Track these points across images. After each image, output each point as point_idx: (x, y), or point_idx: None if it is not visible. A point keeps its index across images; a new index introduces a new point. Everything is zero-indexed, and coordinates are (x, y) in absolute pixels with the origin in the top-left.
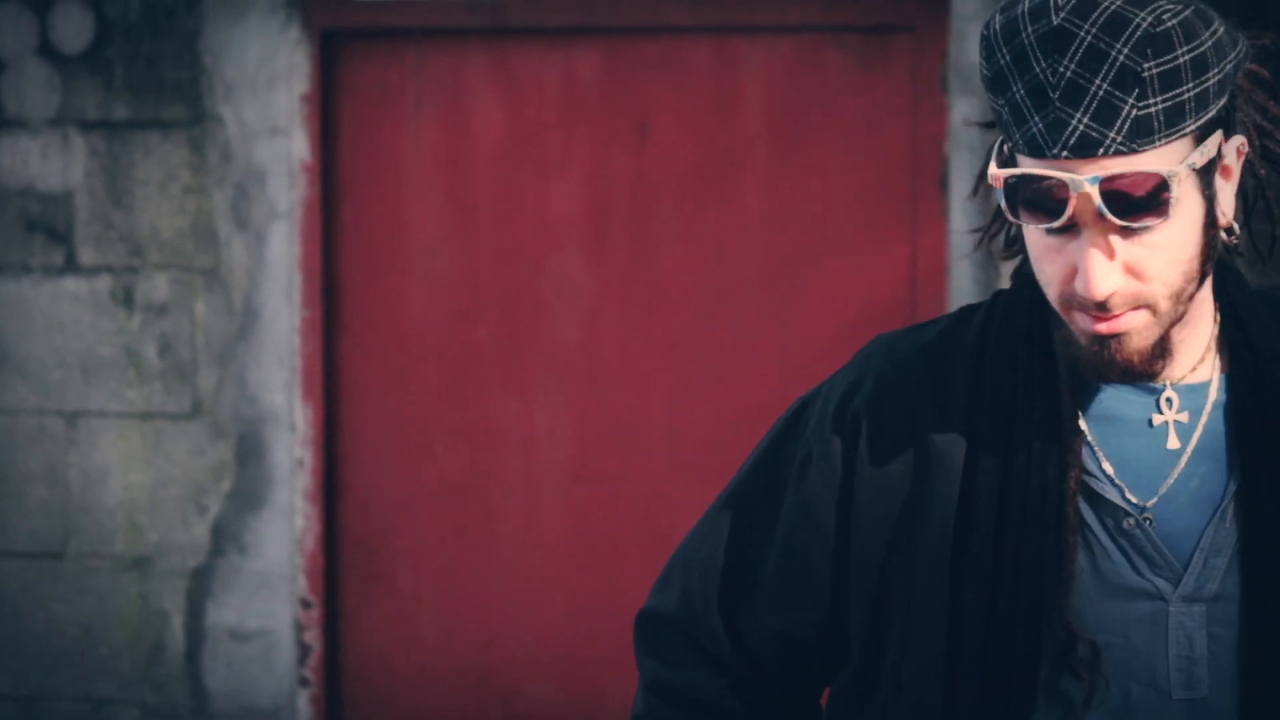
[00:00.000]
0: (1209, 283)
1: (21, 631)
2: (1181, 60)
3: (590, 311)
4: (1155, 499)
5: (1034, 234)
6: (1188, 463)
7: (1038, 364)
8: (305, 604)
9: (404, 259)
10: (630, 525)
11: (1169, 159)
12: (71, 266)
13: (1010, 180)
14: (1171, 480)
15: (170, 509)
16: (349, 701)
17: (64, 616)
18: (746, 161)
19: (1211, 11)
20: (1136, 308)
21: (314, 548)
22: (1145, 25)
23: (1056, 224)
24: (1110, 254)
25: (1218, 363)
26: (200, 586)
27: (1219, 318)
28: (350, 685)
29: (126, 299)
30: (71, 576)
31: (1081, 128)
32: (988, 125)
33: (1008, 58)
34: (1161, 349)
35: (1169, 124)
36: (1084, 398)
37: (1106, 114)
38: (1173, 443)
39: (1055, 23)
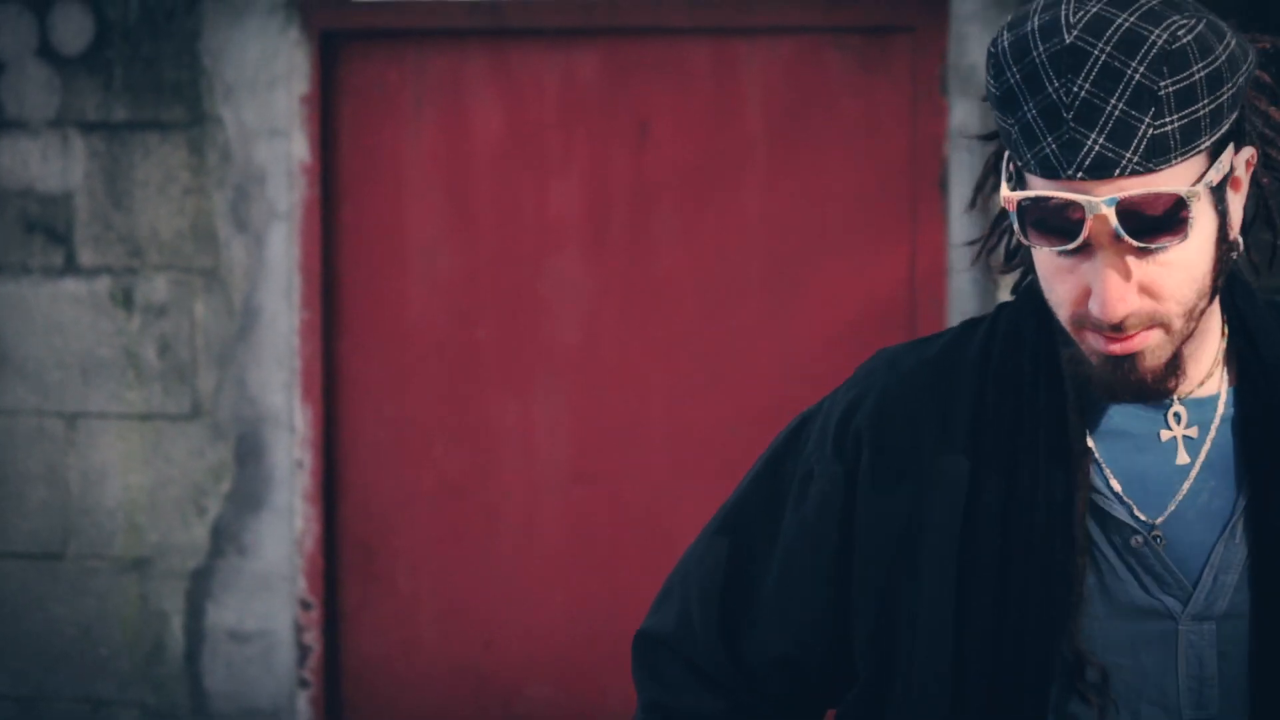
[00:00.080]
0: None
1: (21, 632)
2: (1197, 77)
3: (590, 312)
4: (1164, 516)
5: (1044, 254)
6: (1196, 478)
7: (1043, 381)
8: (305, 605)
9: (403, 260)
10: (630, 526)
11: (1185, 177)
12: (71, 267)
13: (1023, 203)
14: (1180, 496)
15: (170, 510)
16: (348, 702)
17: (63, 617)
18: (746, 163)
19: (1223, 23)
20: (1151, 327)
21: (313, 549)
22: (1161, 42)
23: (1071, 246)
24: (1126, 275)
25: (1226, 375)
26: (200, 587)
27: (1226, 330)
28: (350, 686)
29: (126, 300)
30: (71, 577)
31: (1097, 148)
32: (986, 138)
33: (1018, 76)
34: (1174, 366)
35: (1185, 142)
36: (1090, 414)
37: (1122, 134)
38: (1182, 458)
39: (1068, 41)
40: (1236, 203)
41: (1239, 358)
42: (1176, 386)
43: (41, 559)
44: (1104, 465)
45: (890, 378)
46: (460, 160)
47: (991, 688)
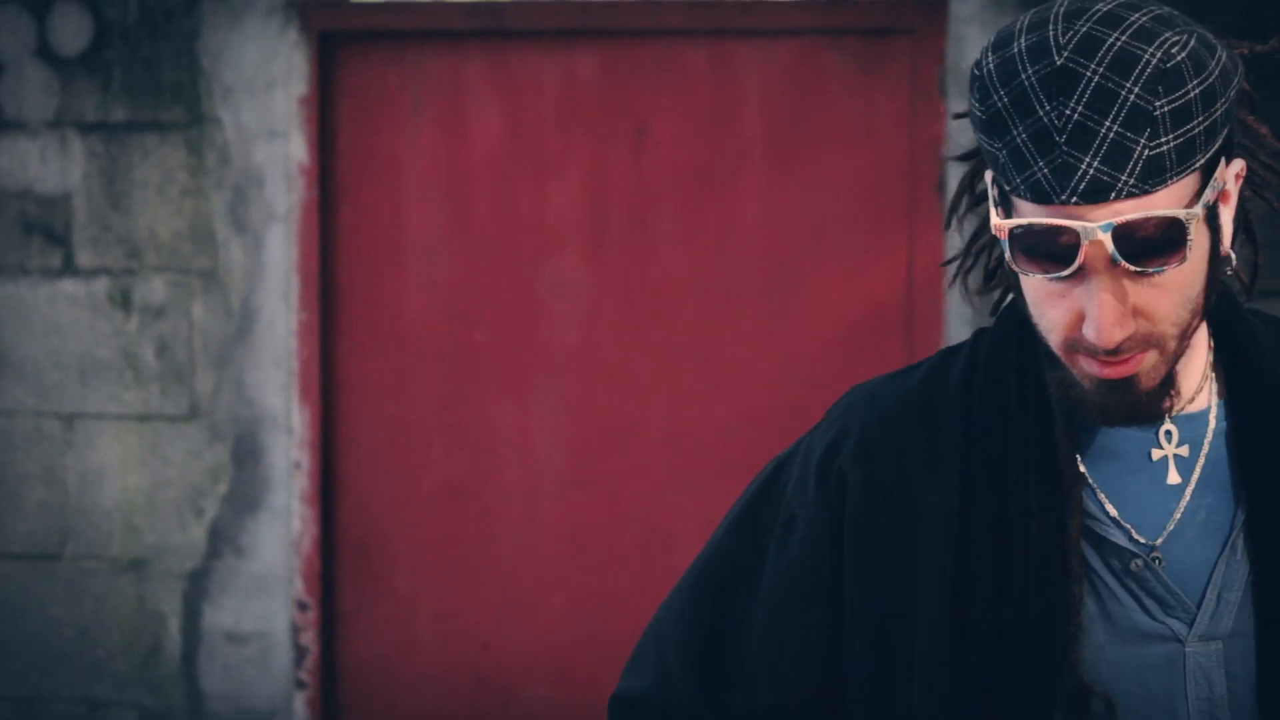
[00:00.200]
0: None
1: (18, 633)
2: (1192, 95)
3: (588, 314)
4: (1163, 537)
5: (1035, 279)
6: (1193, 495)
7: (1030, 406)
8: (302, 606)
9: (402, 261)
10: (628, 528)
11: (1180, 196)
12: (69, 268)
13: (1015, 231)
14: (1179, 515)
15: (167, 511)
16: (345, 704)
17: (61, 618)
18: (745, 165)
19: (1212, 37)
20: (1146, 349)
21: (311, 550)
22: (1155, 61)
23: (1066, 273)
24: (1121, 299)
25: (1214, 388)
26: (197, 588)
27: (1213, 342)
28: (347, 688)
29: (124, 301)
30: (68, 578)
31: (1092, 172)
32: (964, 158)
33: (1006, 100)
34: (1169, 385)
35: (1181, 160)
36: (1081, 438)
37: (1118, 156)
38: (1173, 478)
39: (1059, 63)
40: (1228, 216)
41: (1227, 369)
42: (1172, 406)
43: (39, 560)
44: (1097, 489)
45: (870, 414)
46: (459, 162)
47: None
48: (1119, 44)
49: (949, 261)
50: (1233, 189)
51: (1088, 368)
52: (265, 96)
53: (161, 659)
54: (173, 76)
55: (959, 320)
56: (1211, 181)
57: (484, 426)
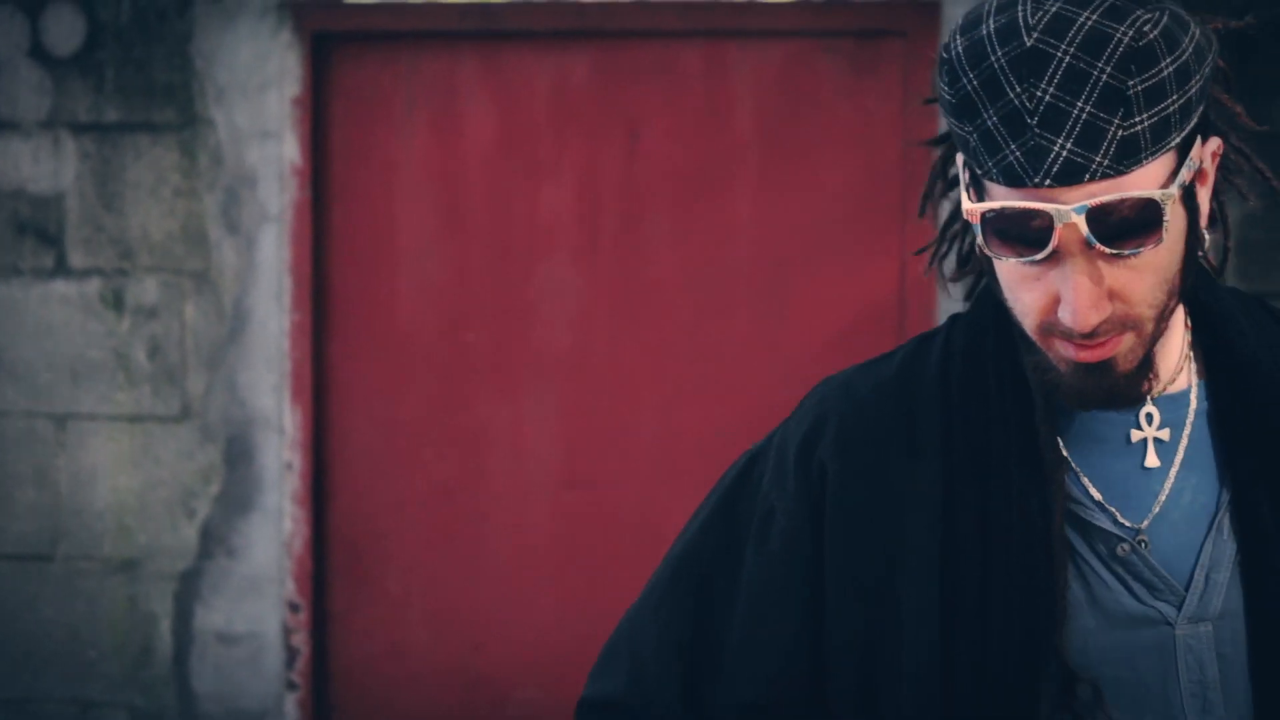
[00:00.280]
0: None
1: (10, 634)
2: (1166, 73)
3: (580, 316)
4: (1148, 520)
5: (1009, 263)
6: (1177, 477)
7: (1009, 391)
8: (293, 607)
9: (394, 263)
10: (619, 530)
11: (1155, 176)
12: (62, 269)
13: (987, 214)
14: (1163, 498)
15: (159, 512)
16: (337, 705)
17: (52, 619)
18: (737, 167)
19: (1184, 12)
20: (1123, 332)
21: (302, 551)
22: (1127, 40)
23: (1040, 257)
24: (1097, 281)
25: (1194, 369)
26: (188, 589)
27: (1189, 322)
28: (338, 689)
29: (116, 302)
30: (60, 579)
31: (1065, 154)
32: (936, 142)
33: (975, 83)
34: (1146, 368)
35: (1155, 140)
36: (1061, 421)
37: (1091, 137)
38: (1151, 460)
39: (1029, 44)
40: (1205, 196)
41: (1205, 350)
42: (1150, 389)
43: (30, 560)
44: (1080, 474)
45: (847, 403)
46: (452, 163)
47: (981, 712)
48: (1089, 23)
49: (923, 250)
50: (1210, 168)
51: (1064, 351)
52: (258, 97)
53: (153, 660)
54: (166, 77)
55: None
56: (1187, 161)
57: (476, 428)
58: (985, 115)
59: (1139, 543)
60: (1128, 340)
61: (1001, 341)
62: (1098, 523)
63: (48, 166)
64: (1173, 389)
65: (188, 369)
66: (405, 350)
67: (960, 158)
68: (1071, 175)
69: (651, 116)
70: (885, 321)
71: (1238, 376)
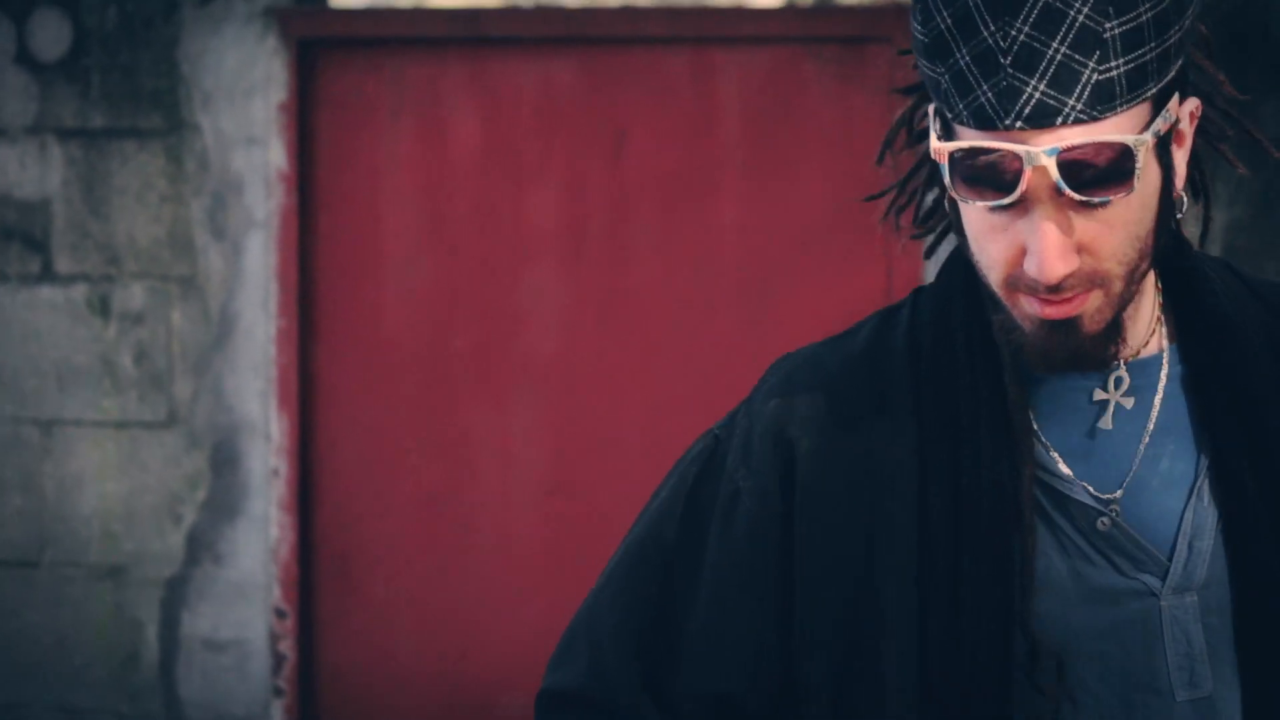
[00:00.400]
0: None
1: None
2: (1145, 18)
3: (567, 322)
4: (1121, 489)
5: (975, 211)
6: (1151, 443)
7: (979, 356)
8: (280, 613)
9: (380, 269)
10: (606, 536)
11: (1129, 125)
12: (48, 275)
13: (955, 154)
14: (1137, 465)
15: (145, 518)
16: (323, 711)
17: (39, 625)
18: (724, 172)
19: None
20: (1090, 289)
21: (289, 557)
22: None
23: (1007, 201)
24: (1066, 232)
25: (1165, 333)
26: (175, 596)
27: (1160, 284)
28: (324, 695)
29: (103, 308)
30: (46, 585)
31: (1038, 95)
32: (906, 91)
33: (949, 21)
34: (1114, 331)
35: (1131, 88)
36: (1032, 387)
37: (1065, 79)
38: (1105, 423)
39: None
40: (1181, 157)
41: (1176, 313)
42: (1117, 353)
43: (16, 567)
44: (1050, 447)
45: (815, 379)
46: (437, 169)
47: (957, 687)
48: None
49: (878, 195)
50: (1187, 129)
51: (1029, 307)
52: (244, 103)
53: (139, 666)
54: (152, 83)
55: None
56: (1163, 113)
57: (462, 434)
58: (958, 54)
59: (1112, 511)
60: (1095, 298)
61: (970, 308)
62: (1074, 495)
63: (34, 172)
64: (1145, 353)
65: (174, 375)
66: (391, 356)
67: (931, 108)
68: (1043, 118)
69: (637, 122)
70: None
71: (1215, 339)
